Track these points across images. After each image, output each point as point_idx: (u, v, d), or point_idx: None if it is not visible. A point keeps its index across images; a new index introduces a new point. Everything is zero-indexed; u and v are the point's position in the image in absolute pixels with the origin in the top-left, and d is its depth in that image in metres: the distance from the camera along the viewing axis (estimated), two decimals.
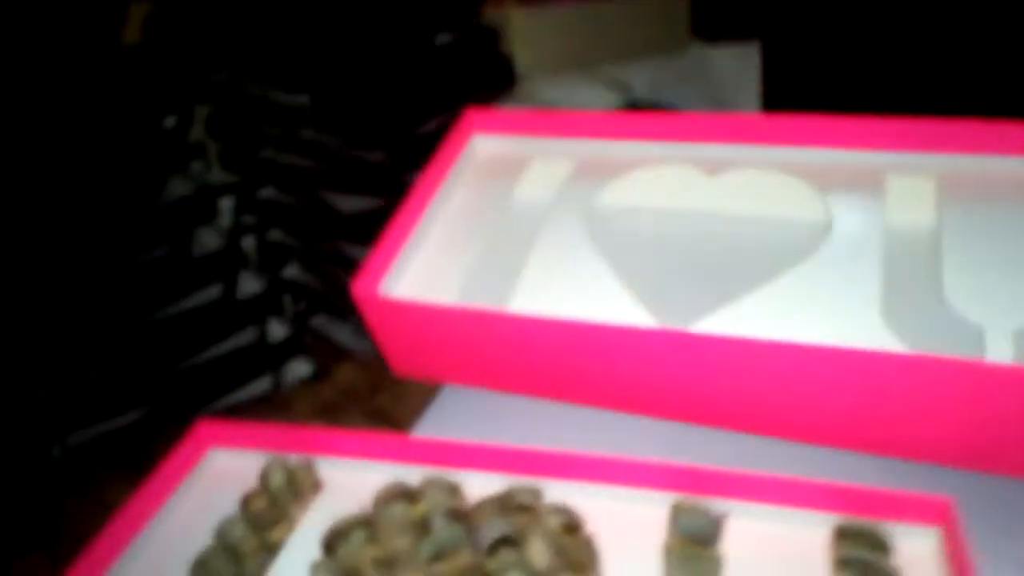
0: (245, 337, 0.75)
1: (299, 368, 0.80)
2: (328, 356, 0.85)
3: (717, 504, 0.44)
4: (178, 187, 0.83)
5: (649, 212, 0.60)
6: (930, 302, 0.47)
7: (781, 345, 0.44)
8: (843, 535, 0.41)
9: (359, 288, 0.53)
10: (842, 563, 0.40)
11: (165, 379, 0.73)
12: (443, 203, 0.62)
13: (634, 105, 1.23)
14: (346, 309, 0.87)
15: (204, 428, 0.53)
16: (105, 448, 0.71)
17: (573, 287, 0.54)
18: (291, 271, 0.93)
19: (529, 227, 0.59)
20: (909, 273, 0.49)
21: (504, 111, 0.68)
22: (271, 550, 0.45)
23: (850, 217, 0.53)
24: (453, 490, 0.47)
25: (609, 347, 0.49)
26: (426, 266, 0.58)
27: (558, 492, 0.47)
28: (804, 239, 0.53)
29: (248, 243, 0.86)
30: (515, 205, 0.61)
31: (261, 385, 0.78)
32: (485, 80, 1.14)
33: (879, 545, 0.40)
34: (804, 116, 0.58)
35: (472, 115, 0.67)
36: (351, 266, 0.83)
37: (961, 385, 0.42)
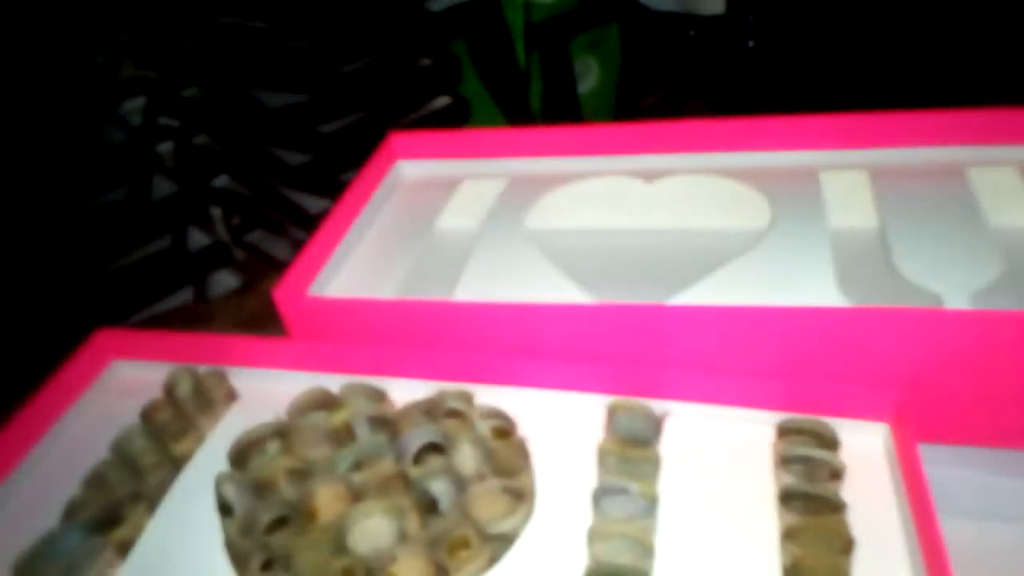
0: (161, 245, 0.70)
1: (226, 280, 0.75)
2: (263, 270, 0.80)
3: (656, 405, 0.42)
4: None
5: (587, 221, 0.57)
6: (885, 279, 0.45)
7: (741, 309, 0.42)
8: (787, 432, 0.39)
9: (283, 293, 0.47)
10: (785, 460, 0.38)
11: (71, 289, 0.67)
12: (366, 225, 0.57)
13: None
14: (281, 223, 0.82)
15: (105, 337, 0.48)
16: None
17: (511, 286, 0.49)
18: (221, 181, 0.86)
19: (460, 245, 0.55)
20: (858, 257, 0.48)
21: (429, 134, 0.63)
22: (176, 464, 0.41)
23: (791, 214, 0.51)
24: (378, 396, 0.43)
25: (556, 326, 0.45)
26: (350, 279, 0.53)
27: (490, 397, 0.44)
28: (749, 236, 0.51)
29: (167, 148, 0.79)
30: (444, 225, 0.57)
31: (183, 297, 0.73)
32: None
33: (824, 441, 0.38)
34: (733, 120, 0.57)
35: (396, 139, 0.63)
36: (286, 175, 0.77)
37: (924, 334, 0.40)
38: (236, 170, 0.86)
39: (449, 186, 0.60)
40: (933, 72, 0.84)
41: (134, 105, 0.74)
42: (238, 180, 0.86)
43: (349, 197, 0.55)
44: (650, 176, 0.57)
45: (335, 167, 0.75)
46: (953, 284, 0.44)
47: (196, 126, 0.84)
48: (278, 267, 0.80)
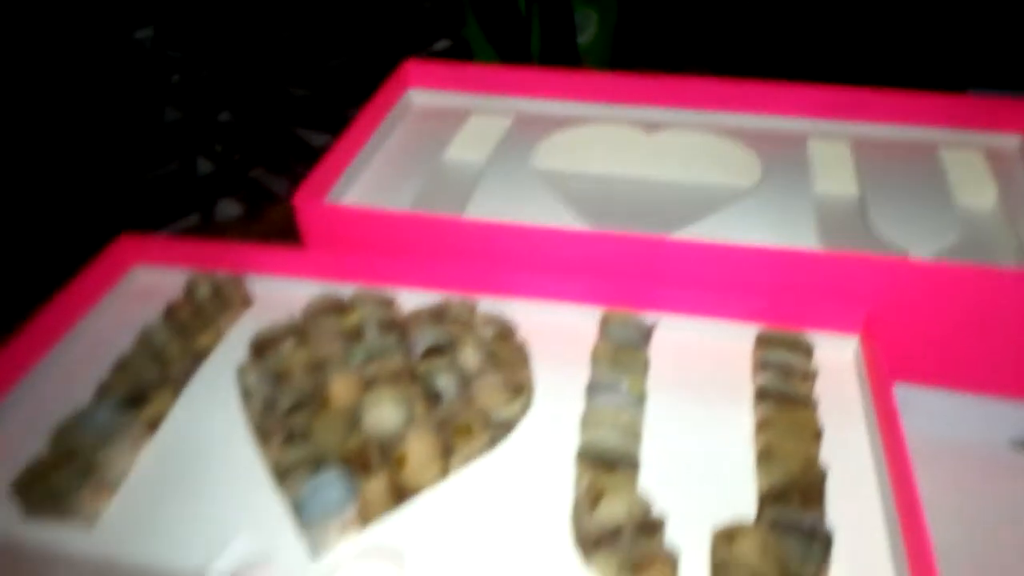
0: (169, 168, 0.72)
1: (230, 209, 0.78)
2: (263, 201, 0.82)
3: (647, 317, 0.45)
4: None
5: (588, 166, 0.60)
6: (860, 234, 0.49)
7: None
8: (764, 342, 0.43)
9: (301, 199, 0.49)
10: (762, 365, 0.41)
11: (95, 198, 0.69)
12: (375, 148, 0.60)
13: None
14: (282, 161, 0.84)
15: (126, 243, 0.51)
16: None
17: (516, 214, 0.51)
18: (223, 117, 0.88)
19: (466, 176, 0.57)
20: (838, 217, 0.51)
21: (442, 64, 0.65)
22: (197, 357, 0.44)
23: (780, 174, 0.54)
24: (386, 303, 0.46)
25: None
26: (361, 199, 0.55)
27: (492, 308, 0.47)
28: (739, 192, 0.54)
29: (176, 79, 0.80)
30: (452, 156, 0.59)
31: (190, 221, 0.75)
32: None
33: (798, 349, 0.42)
34: (733, 81, 0.60)
35: (409, 67, 0.64)
36: (291, 111, 0.79)
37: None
38: (239, 105, 0.87)
39: (458, 118, 0.63)
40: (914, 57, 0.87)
41: (144, 34, 0.76)
42: (242, 115, 0.88)
43: (362, 120, 0.57)
44: (650, 127, 0.60)
45: (340, 101, 0.77)
46: (918, 244, 0.48)
47: (202, 60, 0.85)
48: (280, 201, 0.82)
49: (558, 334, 0.45)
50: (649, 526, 0.34)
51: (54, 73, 0.73)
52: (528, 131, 0.61)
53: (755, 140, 0.58)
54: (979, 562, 0.40)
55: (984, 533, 0.41)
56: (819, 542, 0.33)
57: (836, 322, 0.43)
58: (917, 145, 0.56)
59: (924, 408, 0.46)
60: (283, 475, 0.37)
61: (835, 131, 0.58)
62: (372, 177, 0.57)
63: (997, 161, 0.54)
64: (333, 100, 0.77)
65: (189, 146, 0.74)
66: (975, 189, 0.52)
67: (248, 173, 0.89)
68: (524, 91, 0.64)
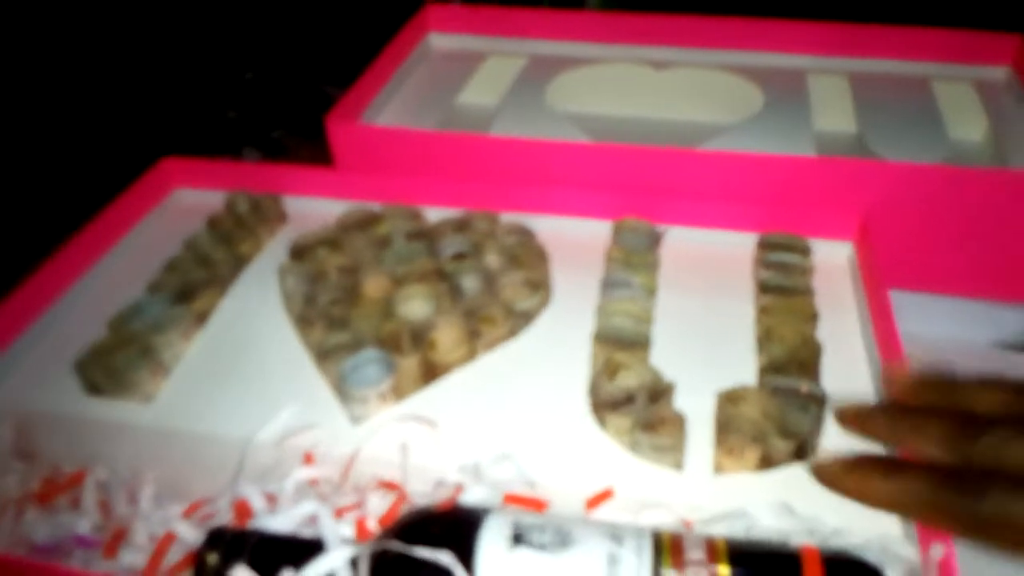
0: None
1: (251, 155, 0.81)
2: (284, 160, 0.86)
3: (657, 225, 0.48)
4: None
5: (601, 105, 0.64)
6: (856, 150, 0.53)
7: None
8: (766, 244, 0.46)
9: (334, 121, 0.52)
10: (764, 264, 0.44)
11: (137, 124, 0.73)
12: (394, 91, 0.62)
13: None
14: (308, 130, 0.87)
15: (168, 166, 0.54)
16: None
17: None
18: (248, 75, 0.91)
19: (482, 115, 0.60)
20: (837, 147, 0.54)
21: (461, 8, 0.69)
22: (240, 261, 0.48)
23: (780, 107, 0.58)
24: (414, 215, 0.50)
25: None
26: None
27: (513, 220, 0.50)
28: (742, 124, 0.57)
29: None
30: (467, 98, 0.62)
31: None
32: None
33: (798, 249, 0.45)
34: (739, 20, 0.63)
35: (429, 12, 0.68)
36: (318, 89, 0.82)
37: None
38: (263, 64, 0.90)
39: (475, 60, 0.66)
40: None
41: None
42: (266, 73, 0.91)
43: (383, 60, 0.61)
44: (658, 65, 0.63)
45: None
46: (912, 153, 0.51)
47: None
48: (299, 157, 0.85)
49: (574, 243, 0.48)
50: (660, 392, 0.37)
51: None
52: (542, 71, 0.64)
53: (758, 75, 0.61)
54: None
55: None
56: (815, 404, 0.36)
57: (832, 229, 0.46)
58: (911, 79, 0.60)
59: (912, 312, 0.49)
60: (324, 357, 0.41)
61: (834, 67, 0.61)
62: (395, 112, 0.61)
63: (986, 92, 0.57)
64: (352, 53, 0.80)
65: (222, 96, 0.78)
66: (965, 119, 0.55)
67: (271, 132, 0.92)
68: (538, 33, 0.67)
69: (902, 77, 0.60)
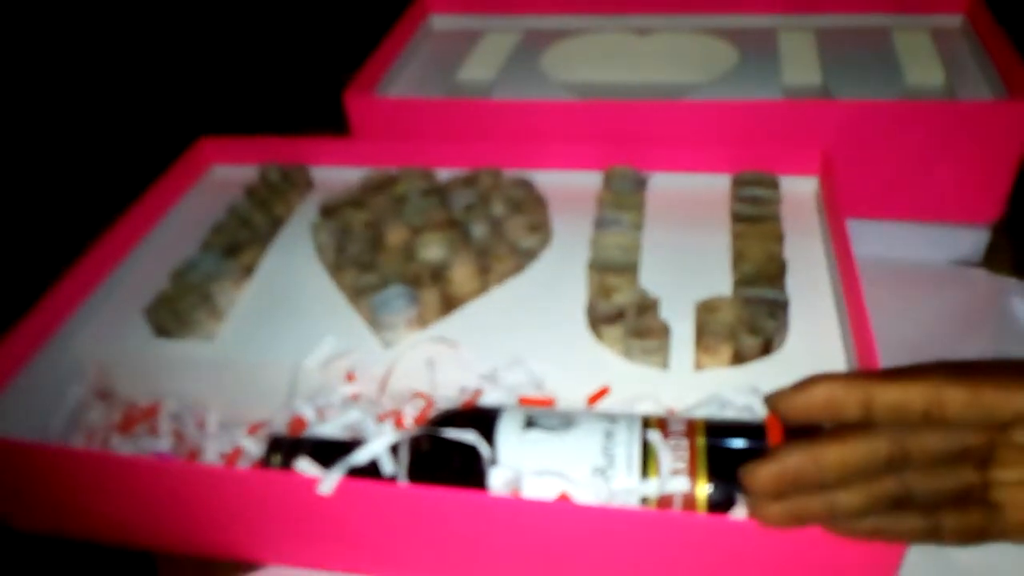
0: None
1: None
2: None
3: (643, 173, 0.54)
4: None
5: (590, 74, 0.69)
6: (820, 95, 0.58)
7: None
8: (739, 182, 0.52)
9: (352, 94, 0.58)
10: (738, 198, 0.50)
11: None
12: (402, 68, 0.68)
13: None
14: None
15: (205, 145, 0.60)
16: None
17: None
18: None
19: (480, 88, 0.65)
20: (801, 86, 0.60)
21: None
22: (276, 222, 0.54)
23: (753, 63, 0.63)
24: (427, 176, 0.56)
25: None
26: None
27: (515, 175, 0.56)
28: (720, 73, 0.63)
29: None
30: (466, 74, 0.67)
31: None
32: None
33: (766, 184, 0.51)
34: None
35: None
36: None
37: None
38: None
39: (473, 37, 0.72)
40: None
41: None
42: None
43: (390, 41, 0.66)
44: (642, 31, 0.69)
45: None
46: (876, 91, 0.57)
47: None
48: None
49: (570, 192, 0.54)
50: (647, 306, 0.43)
51: None
52: (536, 43, 0.70)
53: (733, 36, 0.66)
54: (916, 350, 0.49)
55: (922, 328, 0.50)
56: (780, 309, 0.42)
57: (799, 165, 0.52)
58: (873, 30, 0.65)
59: (875, 237, 0.55)
60: (357, 295, 0.47)
61: (802, 24, 0.67)
62: (403, 87, 0.66)
63: (942, 40, 0.63)
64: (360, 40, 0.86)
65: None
66: (922, 66, 0.61)
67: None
68: (530, 9, 0.72)
69: (864, 29, 0.65)
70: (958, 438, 0.28)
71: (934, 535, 0.29)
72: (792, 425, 0.32)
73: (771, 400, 0.30)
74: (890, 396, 0.28)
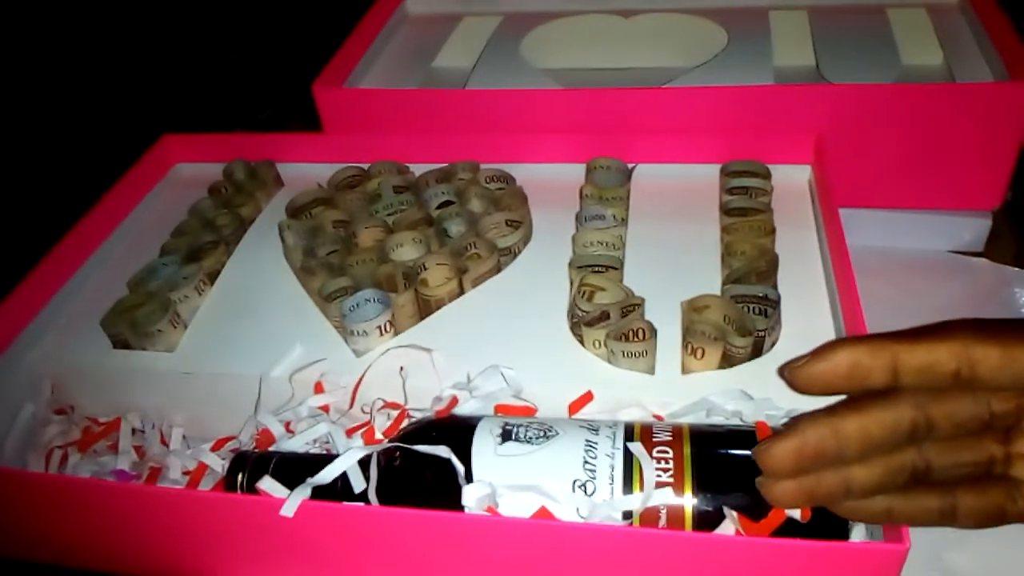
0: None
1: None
2: None
3: (627, 165, 0.52)
4: None
5: (573, 52, 0.66)
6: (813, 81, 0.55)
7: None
8: (729, 172, 0.49)
9: (320, 86, 0.56)
10: (727, 189, 0.48)
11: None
12: (374, 57, 0.65)
13: None
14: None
15: (168, 142, 0.58)
16: None
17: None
18: None
19: (458, 75, 0.62)
20: (793, 68, 0.57)
21: None
22: (242, 224, 0.51)
23: (742, 44, 0.60)
24: (401, 170, 0.53)
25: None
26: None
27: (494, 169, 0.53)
28: (709, 56, 0.60)
29: None
30: (443, 60, 0.64)
31: None
32: None
33: (757, 174, 0.48)
34: None
35: None
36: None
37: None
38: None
39: (451, 21, 0.69)
40: None
41: None
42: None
43: (362, 28, 0.64)
44: (627, 13, 0.66)
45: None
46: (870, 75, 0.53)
47: None
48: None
49: (551, 185, 0.51)
50: (631, 307, 0.41)
51: None
52: (515, 27, 0.67)
53: (722, 16, 0.63)
54: None
55: (922, 321, 0.48)
56: (771, 307, 0.40)
57: (791, 153, 0.50)
58: (867, 7, 0.62)
59: (872, 227, 0.52)
60: (327, 300, 0.44)
61: (794, 2, 0.64)
62: (376, 77, 0.64)
63: (939, 17, 0.60)
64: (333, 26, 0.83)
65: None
66: (919, 45, 0.58)
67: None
68: None
69: (858, 7, 0.63)
70: (985, 404, 0.26)
71: (949, 517, 0.27)
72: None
73: (787, 371, 0.28)
74: (917, 358, 0.25)
